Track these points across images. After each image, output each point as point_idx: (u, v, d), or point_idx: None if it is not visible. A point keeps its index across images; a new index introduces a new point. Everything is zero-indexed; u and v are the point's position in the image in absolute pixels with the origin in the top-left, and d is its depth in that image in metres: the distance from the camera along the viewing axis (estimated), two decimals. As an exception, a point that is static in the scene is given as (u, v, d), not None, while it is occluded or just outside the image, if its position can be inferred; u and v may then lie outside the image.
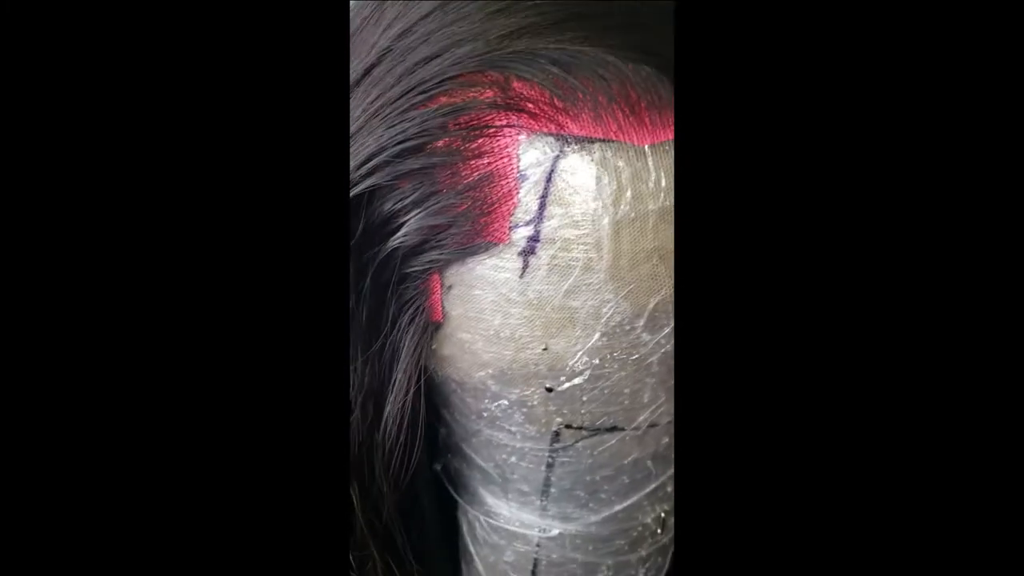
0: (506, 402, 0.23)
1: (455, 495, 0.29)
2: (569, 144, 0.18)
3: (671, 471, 0.25)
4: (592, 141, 0.18)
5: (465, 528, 0.31)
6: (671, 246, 0.19)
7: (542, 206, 0.19)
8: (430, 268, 0.21)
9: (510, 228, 0.19)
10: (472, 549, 0.31)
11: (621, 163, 0.18)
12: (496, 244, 0.20)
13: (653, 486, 0.25)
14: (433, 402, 0.27)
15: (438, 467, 0.29)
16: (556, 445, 0.23)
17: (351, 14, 0.23)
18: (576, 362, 0.21)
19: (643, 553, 0.28)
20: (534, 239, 0.19)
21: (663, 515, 0.27)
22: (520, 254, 0.20)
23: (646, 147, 0.18)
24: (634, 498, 0.25)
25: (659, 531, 0.27)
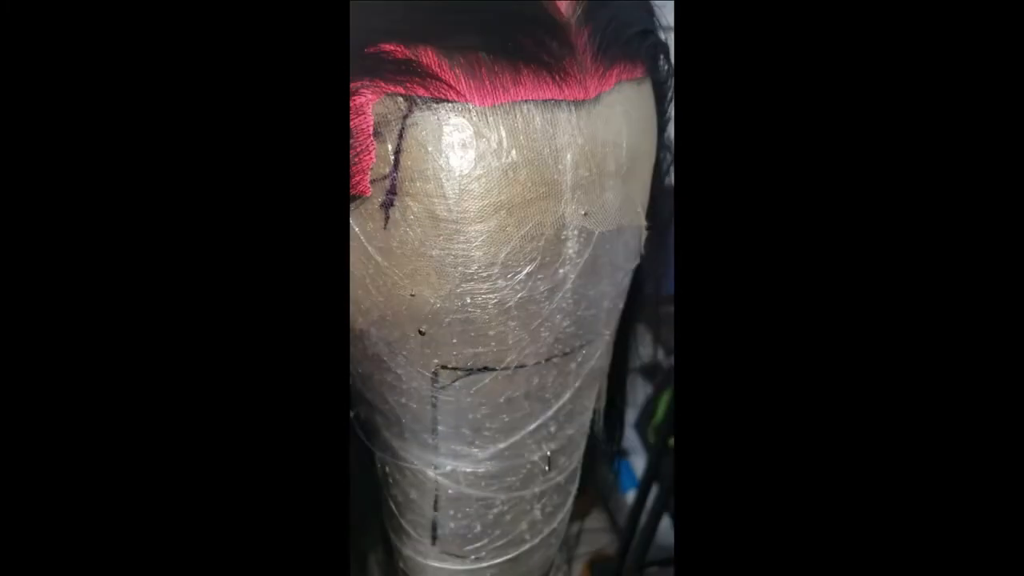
0: (386, 345, 0.25)
1: (366, 441, 0.32)
2: (416, 104, 0.20)
3: (550, 412, 0.28)
4: (438, 102, 0.20)
5: (379, 473, 0.33)
6: (518, 200, 0.21)
7: (396, 161, 0.21)
8: None
9: (371, 181, 0.21)
10: (385, 491, 0.33)
11: (464, 121, 0.20)
12: (360, 196, 0.22)
13: (534, 425, 0.28)
14: None
15: (352, 415, 0.31)
16: (436, 385, 0.25)
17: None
18: (441, 307, 0.23)
19: (536, 490, 0.31)
20: (391, 192, 0.21)
21: (549, 454, 0.29)
22: (381, 206, 0.21)
23: (486, 108, 0.20)
24: (516, 436, 0.28)
25: (547, 469, 0.30)
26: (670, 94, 0.27)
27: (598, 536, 1.27)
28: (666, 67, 0.26)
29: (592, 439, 0.36)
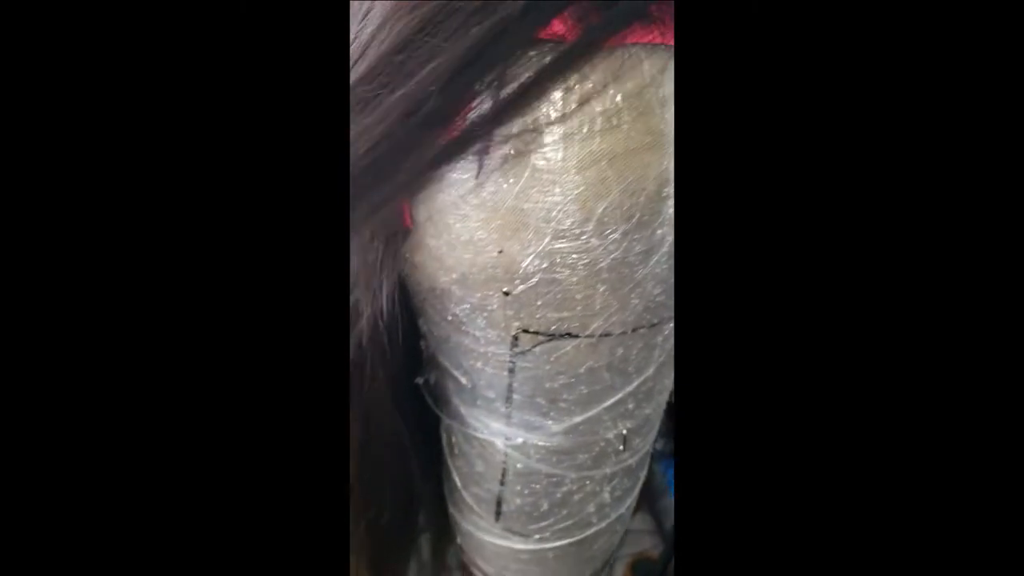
0: (468, 306, 0.24)
1: (434, 408, 0.31)
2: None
3: (631, 387, 0.26)
4: (542, 43, 0.19)
5: (444, 442, 0.32)
6: (619, 150, 0.20)
7: (495, 108, 0.20)
8: None
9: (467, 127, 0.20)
10: (449, 462, 0.33)
11: (569, 65, 0.19)
12: (454, 142, 0.21)
13: (612, 400, 0.26)
14: (412, 313, 0.28)
15: (419, 381, 0.31)
16: (515, 350, 0.25)
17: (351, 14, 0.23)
18: (529, 265, 0.22)
19: (607, 471, 0.29)
20: (488, 139, 0.20)
21: (625, 433, 0.28)
22: (475, 154, 0.21)
23: (594, 60, 0.19)
24: (594, 410, 0.26)
25: (621, 448, 0.28)
26: None
27: (642, 538, 1.25)
28: None
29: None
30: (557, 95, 0.20)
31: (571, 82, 0.19)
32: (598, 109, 0.20)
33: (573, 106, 0.19)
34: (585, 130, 0.20)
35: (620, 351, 0.24)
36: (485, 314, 0.24)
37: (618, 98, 0.19)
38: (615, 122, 0.20)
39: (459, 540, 0.35)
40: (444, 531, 0.38)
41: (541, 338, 0.24)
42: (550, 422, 0.27)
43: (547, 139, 0.20)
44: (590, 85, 0.19)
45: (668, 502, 0.90)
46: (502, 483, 0.30)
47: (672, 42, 0.20)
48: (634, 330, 0.24)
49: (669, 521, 0.81)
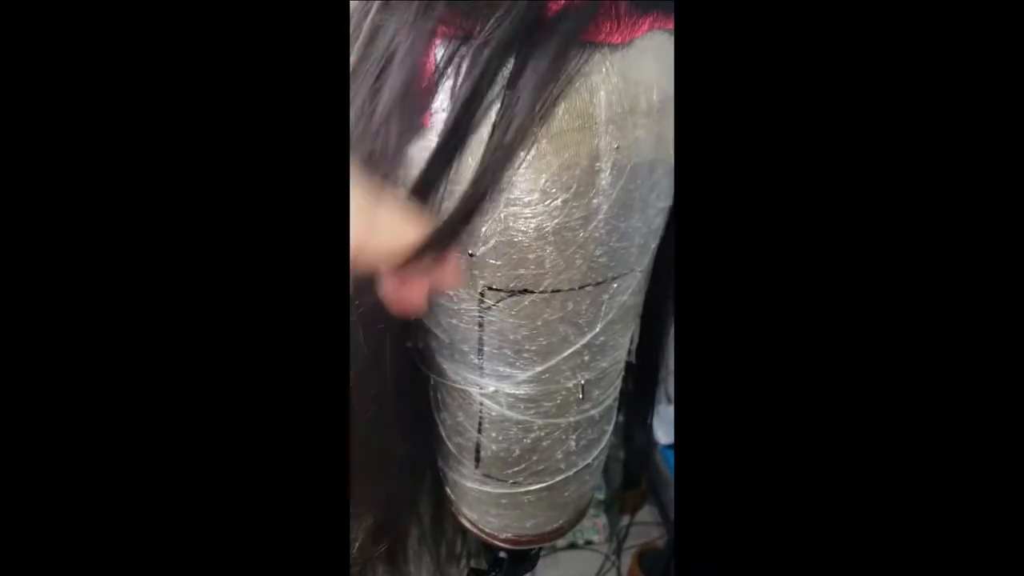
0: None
1: (422, 368, 0.35)
2: (471, 45, 0.24)
3: (584, 340, 0.30)
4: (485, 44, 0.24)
5: (431, 401, 0.37)
6: (554, 130, 0.24)
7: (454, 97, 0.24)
8: None
9: (431, 115, 0.25)
10: (436, 416, 0.37)
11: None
12: (422, 128, 0.25)
13: (569, 351, 0.30)
14: None
15: (408, 345, 0.35)
16: (482, 306, 0.29)
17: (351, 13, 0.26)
18: (488, 229, 0.26)
19: (571, 420, 0.34)
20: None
21: (583, 383, 0.32)
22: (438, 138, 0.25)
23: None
24: (553, 360, 0.31)
25: (581, 397, 0.33)
26: None
27: (648, 530, 1.26)
28: None
29: (628, 394, 0.38)
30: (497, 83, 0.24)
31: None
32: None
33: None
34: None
35: (570, 305, 0.29)
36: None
37: (551, 86, 0.24)
38: (551, 108, 0.24)
39: (448, 490, 0.40)
40: (439, 485, 0.42)
41: (503, 294, 0.28)
42: (517, 371, 0.31)
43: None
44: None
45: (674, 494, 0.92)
46: (479, 431, 0.34)
47: (597, 39, 0.24)
48: (581, 287, 0.28)
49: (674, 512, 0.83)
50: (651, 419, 0.49)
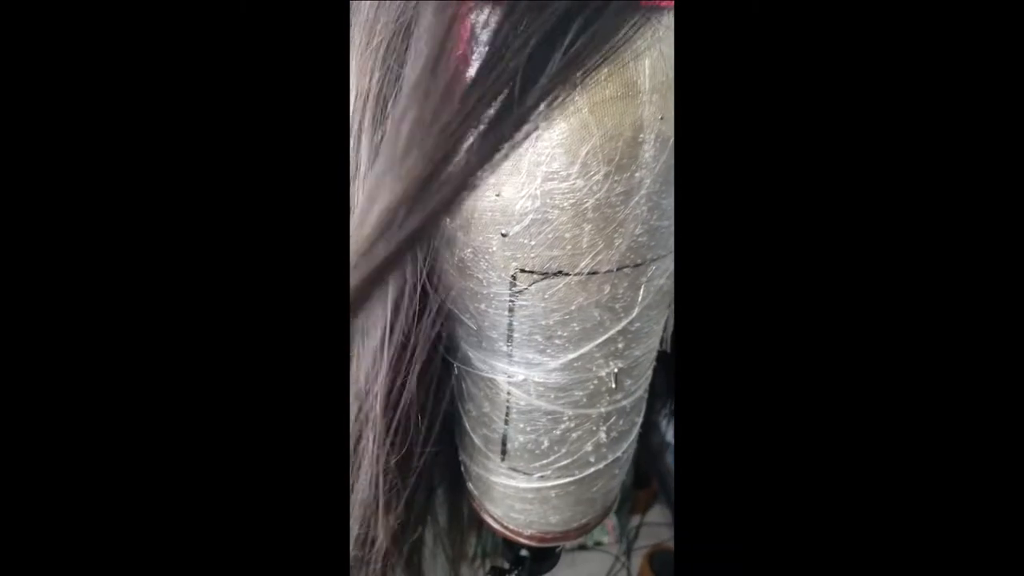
0: (471, 250, 0.27)
1: (446, 356, 0.34)
2: (507, 10, 0.22)
3: (619, 326, 0.29)
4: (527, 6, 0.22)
5: (456, 390, 0.35)
6: (597, 99, 0.23)
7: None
8: None
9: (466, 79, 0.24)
10: (459, 407, 0.36)
11: None
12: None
13: (603, 337, 0.29)
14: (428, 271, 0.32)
15: (432, 332, 0.34)
16: (514, 289, 0.27)
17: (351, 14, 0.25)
18: (522, 206, 0.25)
19: (602, 410, 0.32)
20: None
21: (616, 372, 0.31)
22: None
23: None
24: (586, 347, 0.29)
25: (613, 386, 0.31)
26: None
27: (659, 531, 1.25)
28: None
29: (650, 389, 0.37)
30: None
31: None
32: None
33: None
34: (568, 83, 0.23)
35: (607, 288, 0.27)
36: (487, 256, 0.27)
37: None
38: (594, 76, 0.23)
39: (470, 485, 0.38)
40: (457, 481, 0.40)
41: (536, 276, 0.27)
42: (547, 359, 0.30)
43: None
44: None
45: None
46: (506, 422, 0.33)
47: (645, 3, 0.23)
48: (619, 269, 0.27)
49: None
50: (667, 414, 0.48)
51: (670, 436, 1.13)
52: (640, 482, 1.17)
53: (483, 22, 0.23)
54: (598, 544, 1.15)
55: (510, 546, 0.41)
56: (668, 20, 0.23)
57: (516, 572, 0.42)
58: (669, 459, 1.14)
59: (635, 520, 1.18)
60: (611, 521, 1.17)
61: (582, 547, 1.14)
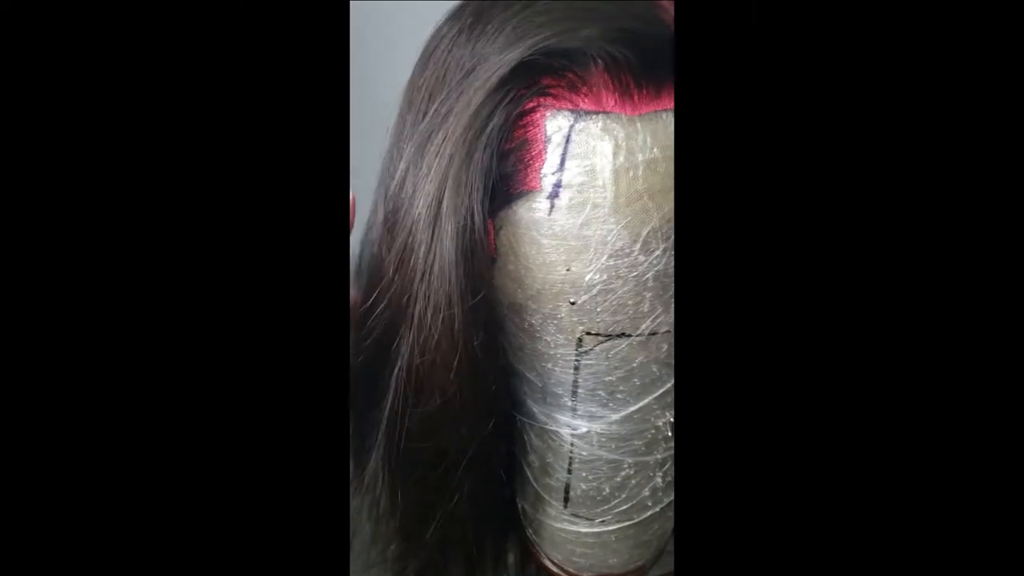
0: (541, 316, 0.30)
1: (511, 411, 0.37)
2: (580, 116, 0.26)
3: (674, 380, 0.32)
4: (596, 113, 0.26)
5: (519, 443, 0.38)
6: (657, 187, 0.27)
7: (563, 161, 0.27)
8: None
9: (540, 178, 0.27)
10: (522, 460, 0.38)
11: (617, 128, 0.26)
12: (531, 191, 0.28)
13: (661, 390, 0.32)
14: (492, 329, 0.35)
15: (493, 388, 0.37)
16: (580, 350, 0.31)
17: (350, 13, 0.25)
18: (590, 279, 0.28)
19: (659, 456, 0.35)
20: (558, 185, 0.27)
21: (672, 420, 0.34)
22: (548, 197, 0.27)
23: (636, 117, 0.26)
24: (646, 400, 0.32)
25: (669, 434, 0.34)
26: None
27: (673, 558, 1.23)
28: None
29: None
30: (608, 148, 0.26)
31: (619, 140, 0.26)
32: (640, 158, 0.26)
33: (622, 158, 0.26)
34: (631, 174, 0.26)
35: (665, 347, 0.30)
36: (555, 322, 0.30)
37: (655, 150, 0.26)
38: (653, 167, 0.26)
39: (530, 532, 0.40)
40: (511, 530, 0.42)
41: (601, 338, 0.30)
42: (609, 412, 0.32)
43: (603, 182, 0.27)
44: (636, 141, 0.26)
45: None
46: (569, 471, 0.35)
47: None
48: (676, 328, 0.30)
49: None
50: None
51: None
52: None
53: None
54: None
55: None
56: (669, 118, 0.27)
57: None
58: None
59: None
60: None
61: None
